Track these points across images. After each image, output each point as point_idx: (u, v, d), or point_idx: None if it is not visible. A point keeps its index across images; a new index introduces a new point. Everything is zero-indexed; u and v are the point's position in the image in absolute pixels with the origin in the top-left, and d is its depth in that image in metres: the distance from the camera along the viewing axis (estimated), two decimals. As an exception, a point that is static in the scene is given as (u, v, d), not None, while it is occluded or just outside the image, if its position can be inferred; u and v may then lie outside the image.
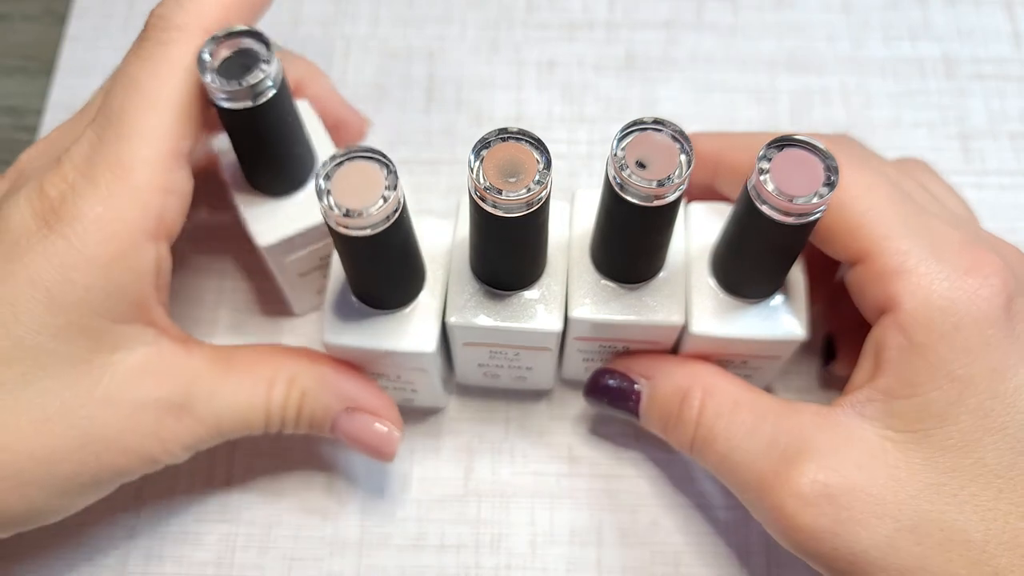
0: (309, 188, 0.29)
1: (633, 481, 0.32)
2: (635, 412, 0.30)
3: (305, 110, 0.31)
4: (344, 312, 0.28)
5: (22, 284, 0.24)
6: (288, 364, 0.28)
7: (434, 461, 0.33)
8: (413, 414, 0.33)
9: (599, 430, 0.33)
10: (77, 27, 0.41)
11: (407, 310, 0.28)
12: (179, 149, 0.26)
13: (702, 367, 0.28)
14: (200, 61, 0.25)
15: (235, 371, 0.28)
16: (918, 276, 0.24)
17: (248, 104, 0.25)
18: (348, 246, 0.25)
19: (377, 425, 0.29)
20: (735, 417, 0.27)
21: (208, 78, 0.25)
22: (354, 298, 0.28)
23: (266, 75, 0.25)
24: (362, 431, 0.29)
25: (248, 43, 0.25)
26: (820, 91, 0.39)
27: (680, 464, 0.32)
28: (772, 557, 0.31)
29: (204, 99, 0.26)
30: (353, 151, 0.24)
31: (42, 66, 0.40)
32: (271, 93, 0.25)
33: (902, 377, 0.25)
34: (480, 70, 0.40)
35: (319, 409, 0.28)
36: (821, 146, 0.24)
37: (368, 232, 0.23)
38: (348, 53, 0.40)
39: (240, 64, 0.25)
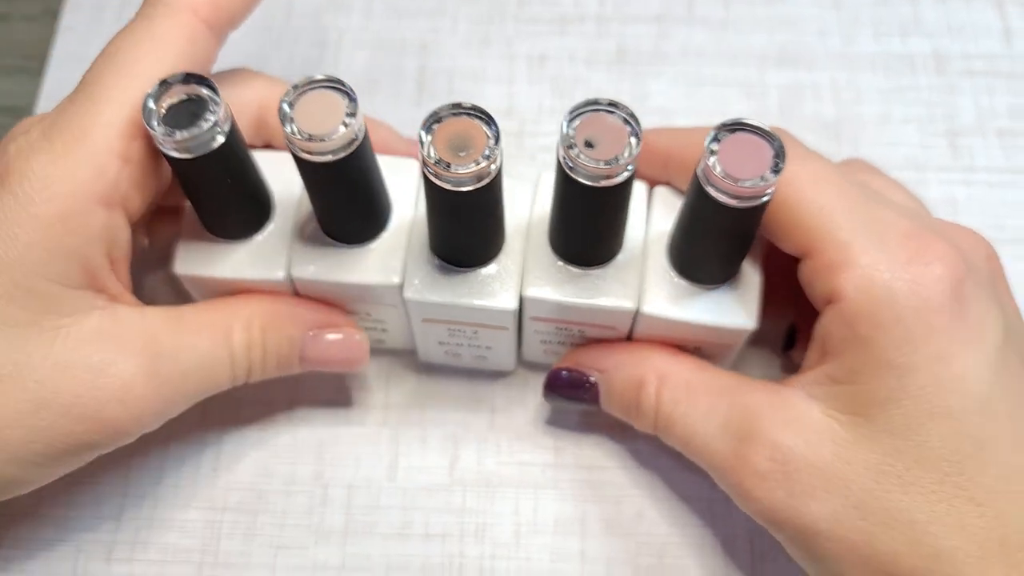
0: (259, 236, 0.29)
1: (618, 472, 0.32)
2: (595, 403, 0.30)
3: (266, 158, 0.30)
4: (311, 247, 0.28)
5: None
6: (241, 309, 0.28)
7: (420, 451, 0.33)
8: (397, 406, 0.33)
9: (584, 422, 0.33)
10: (70, 19, 0.41)
11: (374, 244, 0.28)
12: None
13: (654, 352, 0.29)
14: (145, 108, 0.24)
15: (191, 327, 0.27)
16: (860, 268, 0.25)
17: (195, 154, 0.25)
18: (313, 175, 0.25)
19: (341, 335, 0.29)
20: (691, 401, 0.27)
21: (155, 126, 0.24)
22: (323, 234, 0.28)
23: (213, 124, 0.24)
24: (330, 347, 0.29)
25: (198, 90, 0.25)
26: (810, 86, 0.39)
27: (665, 456, 0.33)
28: (756, 548, 0.31)
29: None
30: (316, 81, 0.24)
31: (42, 66, 0.40)
32: (219, 142, 0.25)
33: (845, 365, 0.25)
34: (471, 63, 0.40)
35: (284, 343, 0.28)
36: (768, 129, 0.24)
37: (330, 158, 0.24)
38: (340, 45, 0.40)
39: (188, 112, 0.24)
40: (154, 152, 0.26)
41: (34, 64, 0.40)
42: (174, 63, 0.26)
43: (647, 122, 0.38)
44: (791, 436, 0.25)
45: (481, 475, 0.32)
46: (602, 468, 0.32)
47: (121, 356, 0.25)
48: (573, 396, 0.31)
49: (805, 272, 0.26)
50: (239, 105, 0.28)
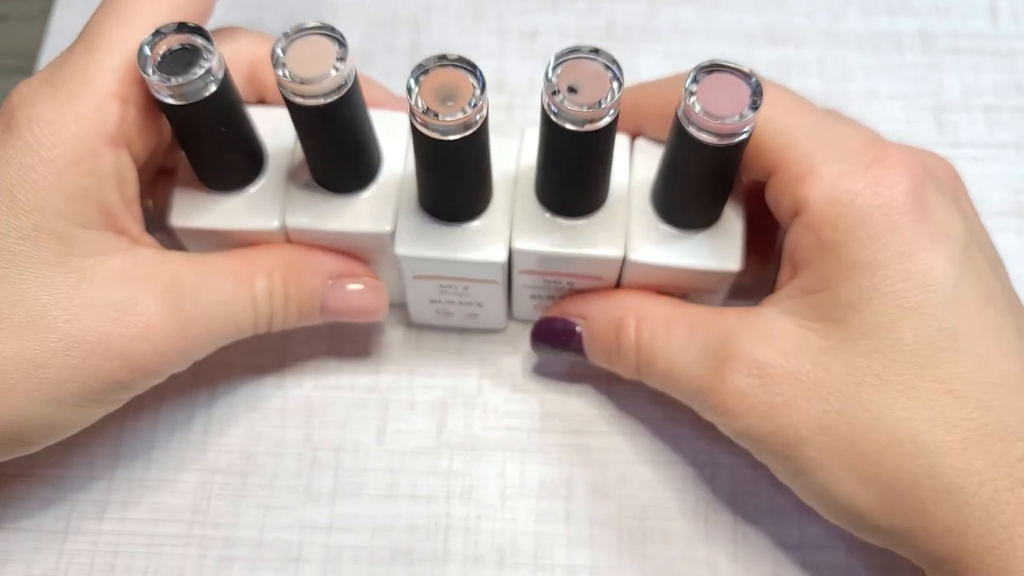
0: (252, 188, 0.29)
1: (604, 437, 0.33)
2: (581, 351, 0.31)
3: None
4: (305, 195, 0.29)
5: None
6: (264, 257, 0.29)
7: (408, 414, 0.33)
8: (387, 372, 0.34)
9: (572, 387, 0.34)
10: (60, 20, 0.41)
11: (365, 194, 0.29)
12: None
13: (632, 295, 0.30)
14: (140, 55, 0.25)
15: (214, 271, 0.28)
16: (822, 176, 0.25)
17: (188, 101, 0.25)
18: (304, 120, 0.26)
19: (360, 285, 0.30)
20: (670, 334, 0.28)
21: (149, 72, 0.25)
22: (316, 183, 0.29)
23: (206, 71, 0.25)
24: (350, 297, 0.30)
25: (192, 39, 0.25)
26: (798, 63, 0.40)
27: (650, 421, 0.33)
28: (739, 511, 0.32)
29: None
30: (307, 27, 0.25)
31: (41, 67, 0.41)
32: (212, 89, 0.25)
33: (814, 274, 0.26)
34: (464, 39, 0.40)
35: (304, 292, 0.29)
36: (747, 71, 0.25)
37: (321, 101, 0.24)
38: (334, 21, 0.41)
39: (183, 60, 0.25)
40: (154, 97, 0.26)
41: (33, 64, 0.41)
42: (171, 12, 0.26)
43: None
44: (768, 350, 0.25)
45: (468, 439, 0.33)
46: (587, 433, 0.33)
47: (145, 295, 0.26)
48: (559, 344, 0.31)
49: (771, 191, 0.27)
50: (232, 59, 0.29)
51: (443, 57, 0.24)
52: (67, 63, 0.26)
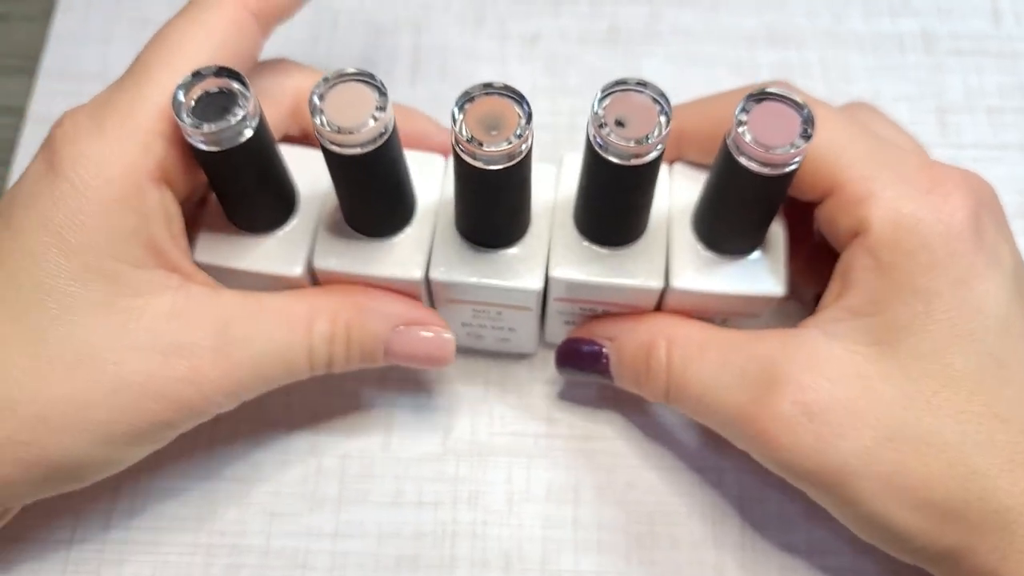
0: (281, 231, 0.29)
1: (610, 442, 0.33)
2: (607, 374, 0.30)
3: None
4: (335, 238, 0.28)
5: (36, 229, 0.24)
6: (323, 302, 0.28)
7: (414, 420, 0.33)
8: (393, 376, 0.34)
9: (577, 392, 0.34)
10: (61, 23, 0.41)
11: (397, 238, 0.28)
12: None
13: (662, 318, 0.29)
14: (175, 100, 0.24)
15: (269, 314, 0.27)
16: (884, 199, 0.25)
17: (222, 147, 0.25)
18: (340, 167, 0.25)
19: (430, 333, 0.29)
20: (704, 358, 0.27)
21: (183, 117, 0.24)
22: (346, 226, 0.28)
23: (242, 118, 0.24)
24: (418, 344, 0.29)
25: (229, 84, 0.25)
26: (800, 65, 0.40)
27: (657, 426, 0.33)
28: (746, 517, 0.32)
29: (230, 64, 0.26)
30: (346, 74, 0.24)
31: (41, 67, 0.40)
32: (247, 136, 0.25)
33: (868, 296, 0.25)
34: (465, 43, 0.40)
35: (368, 337, 0.28)
36: (798, 99, 0.24)
37: (359, 151, 0.24)
38: (335, 27, 0.41)
39: (218, 105, 0.25)
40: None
41: (34, 64, 0.40)
42: (218, 51, 0.26)
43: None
44: (814, 376, 0.25)
45: (474, 445, 0.33)
46: (595, 438, 0.33)
47: (192, 337, 0.26)
48: (585, 367, 0.30)
49: (827, 211, 0.27)
50: (278, 93, 0.29)
51: (488, 85, 0.24)
52: (112, 99, 0.25)
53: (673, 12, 0.41)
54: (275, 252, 0.28)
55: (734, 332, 0.28)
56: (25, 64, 0.40)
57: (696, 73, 0.40)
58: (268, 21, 0.28)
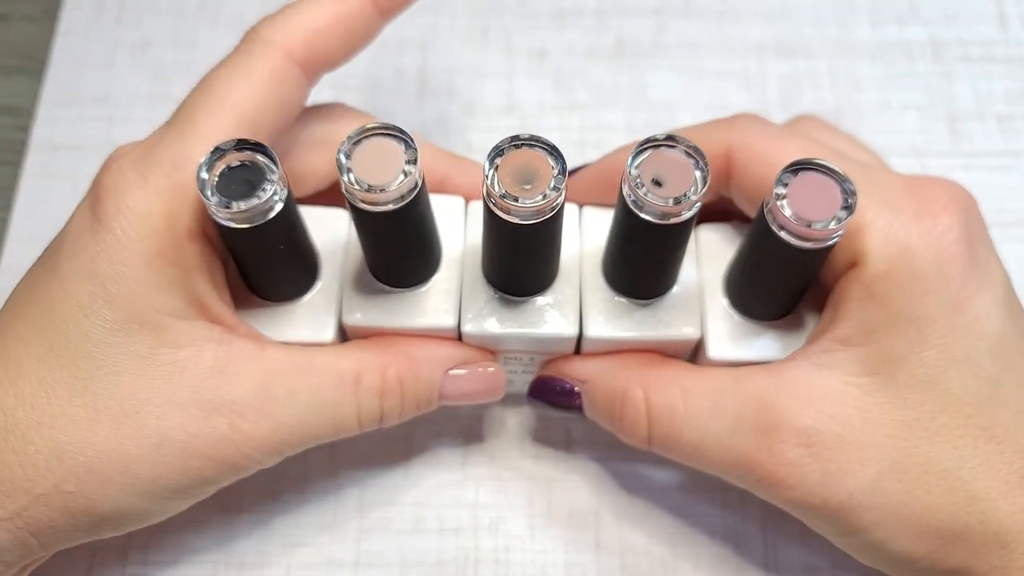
0: (306, 297, 0.28)
1: (631, 464, 0.33)
2: (580, 411, 0.30)
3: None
4: (362, 291, 0.28)
5: (82, 279, 0.24)
6: (371, 356, 0.27)
7: (433, 446, 0.33)
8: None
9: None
10: (68, 22, 0.41)
11: (425, 287, 0.28)
12: None
13: (635, 360, 0.28)
14: (199, 178, 0.24)
15: (316, 370, 0.27)
16: (876, 228, 0.25)
17: (249, 224, 0.24)
18: (369, 223, 0.25)
19: (481, 370, 0.29)
20: (691, 404, 0.26)
21: (208, 196, 0.23)
22: (372, 277, 0.28)
23: (271, 195, 0.24)
24: (471, 384, 0.29)
25: (253, 156, 0.24)
26: (809, 75, 0.40)
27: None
28: (769, 535, 0.31)
29: (274, 114, 0.26)
30: (372, 128, 0.24)
31: (42, 66, 0.40)
32: (275, 212, 0.24)
33: (860, 326, 0.25)
34: (471, 59, 0.40)
35: (422, 387, 0.28)
36: (838, 169, 0.24)
37: (390, 208, 0.24)
38: (339, 44, 0.40)
39: (242, 179, 0.24)
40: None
41: (34, 64, 0.40)
42: (263, 100, 0.26)
43: (647, 115, 0.39)
44: (814, 414, 0.25)
45: (493, 469, 0.33)
46: (614, 460, 0.33)
47: (233, 394, 0.25)
48: (558, 404, 0.30)
49: None
50: (330, 140, 0.29)
51: (516, 137, 0.23)
52: (156, 149, 0.25)
53: (679, 24, 0.41)
54: (304, 319, 0.28)
55: (715, 371, 0.27)
56: (25, 64, 0.40)
57: (704, 85, 0.39)
58: (314, 70, 0.28)
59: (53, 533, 0.25)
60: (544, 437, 0.33)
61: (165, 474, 0.25)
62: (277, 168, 0.24)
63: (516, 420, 0.33)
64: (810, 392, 0.25)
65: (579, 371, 0.29)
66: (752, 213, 0.27)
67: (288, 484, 0.32)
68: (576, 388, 0.29)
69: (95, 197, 0.25)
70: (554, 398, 0.30)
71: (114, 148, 0.26)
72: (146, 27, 0.41)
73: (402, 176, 0.23)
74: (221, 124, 0.25)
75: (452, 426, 0.33)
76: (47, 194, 0.37)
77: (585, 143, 0.38)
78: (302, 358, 0.27)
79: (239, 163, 0.24)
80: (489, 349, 0.29)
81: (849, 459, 0.24)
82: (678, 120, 0.39)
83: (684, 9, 0.41)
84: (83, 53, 0.40)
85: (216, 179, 0.24)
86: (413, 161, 0.23)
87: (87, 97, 0.39)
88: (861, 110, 0.39)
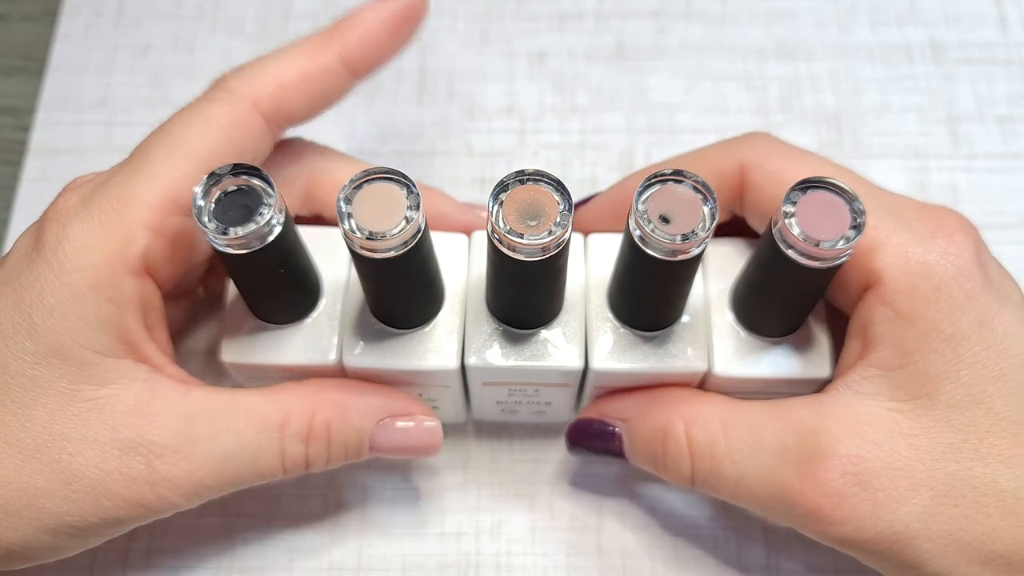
0: (308, 320, 0.28)
1: (631, 466, 0.32)
2: (621, 455, 0.29)
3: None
4: (364, 334, 0.27)
5: (9, 308, 0.24)
6: (298, 400, 0.26)
7: (433, 450, 0.33)
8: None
9: (596, 416, 0.33)
10: (68, 25, 0.41)
11: (428, 328, 0.27)
12: (182, 198, 0.25)
13: (676, 396, 0.27)
14: (195, 204, 0.23)
15: (240, 413, 0.26)
16: (892, 247, 0.25)
17: (249, 249, 0.24)
18: (370, 269, 0.24)
19: (413, 424, 0.28)
20: (731, 436, 0.26)
21: (206, 222, 0.23)
22: (373, 319, 0.27)
23: (268, 219, 0.23)
24: (403, 437, 0.28)
25: (249, 181, 0.24)
26: (809, 77, 0.40)
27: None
28: (771, 540, 0.31)
29: (232, 161, 0.26)
30: (372, 173, 0.23)
31: (42, 66, 0.40)
32: (274, 235, 0.24)
33: (895, 348, 0.25)
34: (471, 62, 0.40)
35: (351, 435, 0.27)
36: (847, 188, 0.23)
37: (392, 254, 0.23)
38: (339, 47, 0.40)
39: (239, 204, 0.23)
40: (190, 231, 0.26)
41: (33, 64, 0.40)
42: (221, 147, 0.26)
43: (648, 117, 0.39)
44: (859, 443, 0.24)
45: (495, 473, 0.32)
46: (615, 462, 0.32)
47: (153, 435, 0.25)
48: (598, 448, 0.29)
49: None
50: (289, 178, 0.29)
51: (521, 172, 0.23)
52: (106, 186, 0.25)
53: (680, 26, 0.41)
54: (306, 343, 0.28)
55: (756, 405, 0.26)
56: (25, 64, 0.40)
57: (704, 88, 0.39)
58: (279, 124, 0.27)
59: None
60: (544, 441, 0.33)
61: (73, 511, 0.24)
62: (274, 191, 0.24)
63: (517, 423, 0.33)
64: (853, 420, 0.25)
65: (618, 409, 0.29)
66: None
67: (289, 488, 0.32)
68: (616, 429, 0.29)
69: (39, 225, 0.25)
70: (594, 443, 0.29)
71: (112, 153, 0.26)
72: (145, 31, 0.41)
73: (404, 222, 0.23)
74: (176, 167, 0.25)
75: (453, 432, 0.33)
76: (47, 198, 0.37)
77: (585, 145, 0.38)
78: (227, 400, 0.26)
79: (235, 188, 0.24)
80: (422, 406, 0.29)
81: (899, 486, 0.24)
82: (678, 122, 0.39)
83: (684, 11, 0.41)
84: (82, 57, 0.40)
85: (213, 205, 0.23)
86: (415, 207, 0.23)
87: (86, 101, 0.39)
88: (861, 112, 0.39)
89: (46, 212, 0.25)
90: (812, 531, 0.25)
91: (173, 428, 0.25)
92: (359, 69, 0.28)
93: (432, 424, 0.28)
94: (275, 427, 0.26)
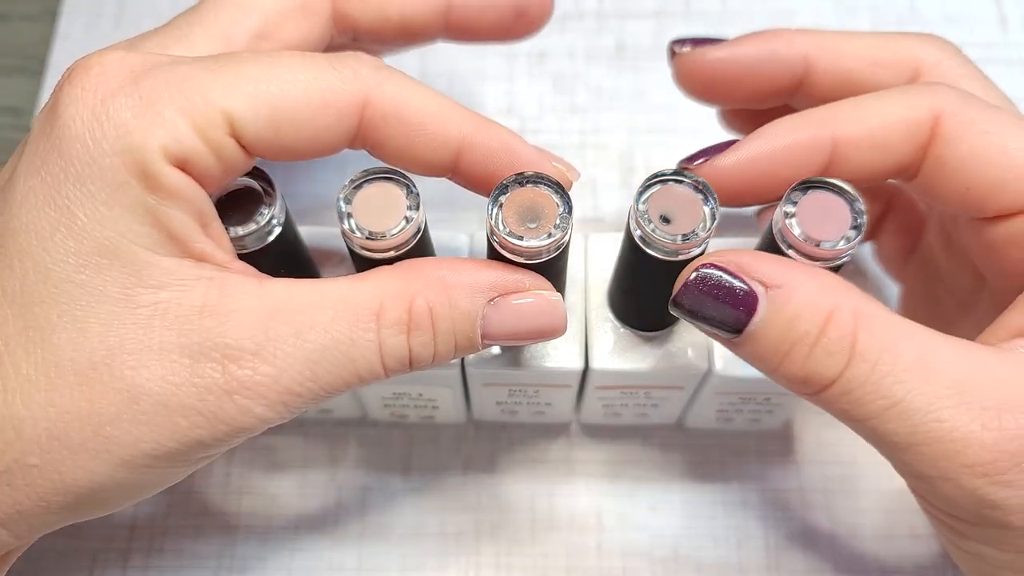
0: None
1: (632, 466, 0.33)
2: (741, 324, 0.22)
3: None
4: None
5: (40, 203, 0.20)
6: (395, 283, 0.22)
7: (432, 450, 0.33)
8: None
9: (598, 419, 0.33)
10: (68, 25, 0.41)
11: None
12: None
13: (845, 284, 0.22)
14: None
15: (328, 305, 0.21)
16: None
17: (249, 249, 0.24)
18: (370, 267, 0.24)
19: (532, 299, 0.23)
20: (903, 353, 0.21)
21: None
22: None
23: (269, 219, 0.23)
24: (520, 316, 0.23)
25: (248, 181, 0.24)
26: (809, 77, 0.39)
27: (678, 449, 0.33)
28: (771, 539, 0.31)
29: (297, 26, 0.25)
30: (373, 172, 0.23)
31: (42, 66, 0.40)
32: (274, 235, 0.24)
33: None
34: (471, 62, 0.40)
35: (460, 320, 0.22)
36: (848, 188, 0.23)
37: (392, 254, 0.23)
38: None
39: (238, 203, 0.23)
40: (233, 151, 0.22)
41: (34, 64, 0.40)
42: (288, 9, 0.25)
43: (648, 118, 0.39)
44: None
45: (495, 474, 0.32)
46: (615, 462, 0.33)
47: (227, 337, 0.21)
48: (723, 300, 0.22)
49: (1012, 231, 0.23)
50: (315, 3, 0.27)
51: (520, 175, 0.23)
52: (147, 46, 0.23)
53: (680, 26, 0.41)
54: None
55: (937, 334, 0.22)
56: (25, 64, 0.40)
57: (705, 88, 0.39)
58: (342, 28, 0.27)
59: (23, 518, 0.21)
60: (545, 440, 0.33)
61: (146, 436, 0.20)
62: (274, 191, 0.24)
63: (517, 424, 0.33)
64: None
65: (772, 272, 0.22)
66: (925, 205, 0.26)
67: (289, 488, 0.32)
68: (753, 288, 0.22)
69: (58, 98, 0.21)
70: (713, 303, 0.22)
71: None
72: (145, 31, 0.41)
73: (404, 222, 0.23)
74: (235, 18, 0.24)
75: (452, 431, 0.33)
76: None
77: (585, 145, 0.38)
78: (309, 292, 0.22)
79: (236, 187, 0.24)
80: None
81: None
82: (679, 123, 0.39)
83: (684, 11, 0.41)
84: (88, 32, 0.40)
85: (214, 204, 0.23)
86: (415, 206, 0.23)
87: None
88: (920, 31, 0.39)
89: (70, 79, 0.21)
90: (961, 486, 0.21)
91: (249, 328, 0.21)
92: (458, 26, 0.27)
93: (555, 297, 0.23)
94: (369, 317, 0.22)
